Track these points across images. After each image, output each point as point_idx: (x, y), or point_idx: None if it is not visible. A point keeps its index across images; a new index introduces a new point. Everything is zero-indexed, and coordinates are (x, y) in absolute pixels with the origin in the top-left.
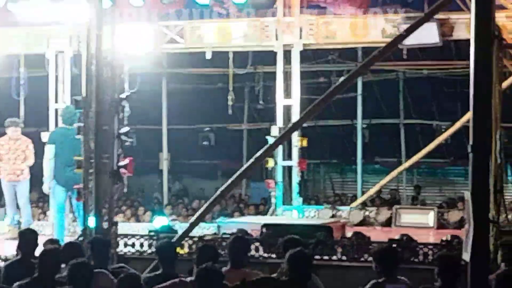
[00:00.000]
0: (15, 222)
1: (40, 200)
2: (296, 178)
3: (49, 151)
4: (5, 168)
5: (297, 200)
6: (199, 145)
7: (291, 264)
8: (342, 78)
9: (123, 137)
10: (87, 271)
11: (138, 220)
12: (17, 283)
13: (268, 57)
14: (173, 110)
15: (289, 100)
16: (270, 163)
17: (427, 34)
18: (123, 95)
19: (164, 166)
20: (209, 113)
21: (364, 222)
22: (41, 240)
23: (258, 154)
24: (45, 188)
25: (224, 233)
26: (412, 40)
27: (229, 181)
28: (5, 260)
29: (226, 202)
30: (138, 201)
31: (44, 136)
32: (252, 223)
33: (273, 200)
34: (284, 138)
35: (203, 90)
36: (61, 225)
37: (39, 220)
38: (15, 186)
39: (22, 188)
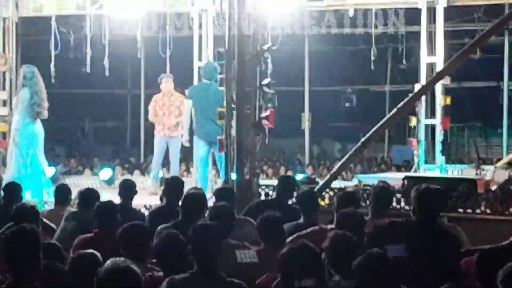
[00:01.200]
0: (158, 178)
1: (184, 158)
2: (439, 137)
3: (187, 105)
4: (159, 123)
5: (440, 159)
6: (341, 106)
7: (418, 202)
8: (488, 27)
9: (265, 88)
10: (229, 214)
11: None
12: (161, 226)
13: (411, 16)
14: (315, 72)
15: (433, 58)
16: (413, 121)
17: None
18: (265, 47)
19: (306, 126)
20: (351, 74)
21: (510, 182)
22: None
23: (400, 105)
24: (184, 141)
25: (366, 185)
26: None
27: (372, 130)
28: (149, 208)
29: (368, 163)
30: (279, 162)
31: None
32: (394, 178)
33: (415, 159)
34: (426, 89)
35: (344, 51)
36: (203, 178)
37: (183, 176)
38: (167, 142)
39: (175, 143)
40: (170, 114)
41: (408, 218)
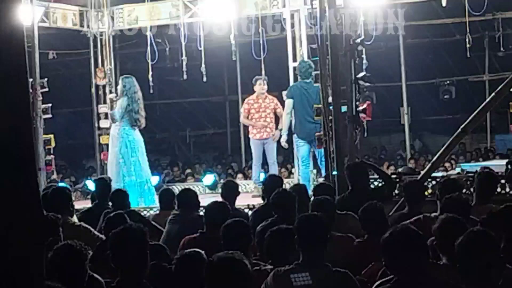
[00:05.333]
0: (260, 181)
1: (285, 162)
2: None
3: (288, 105)
4: (254, 127)
5: None
6: (439, 99)
7: None
8: None
9: (361, 82)
10: (331, 207)
11: None
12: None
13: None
14: (411, 65)
15: None
16: None
17: None
18: (358, 40)
19: (406, 121)
20: (448, 66)
21: None
22: None
23: (498, 88)
24: (283, 141)
25: (469, 172)
26: None
27: (472, 115)
28: (252, 208)
29: (471, 154)
30: (381, 158)
31: (285, 94)
32: (497, 165)
33: None
34: None
35: (440, 43)
36: (305, 178)
37: (285, 178)
38: (264, 144)
39: (271, 146)
40: (265, 117)
41: None
